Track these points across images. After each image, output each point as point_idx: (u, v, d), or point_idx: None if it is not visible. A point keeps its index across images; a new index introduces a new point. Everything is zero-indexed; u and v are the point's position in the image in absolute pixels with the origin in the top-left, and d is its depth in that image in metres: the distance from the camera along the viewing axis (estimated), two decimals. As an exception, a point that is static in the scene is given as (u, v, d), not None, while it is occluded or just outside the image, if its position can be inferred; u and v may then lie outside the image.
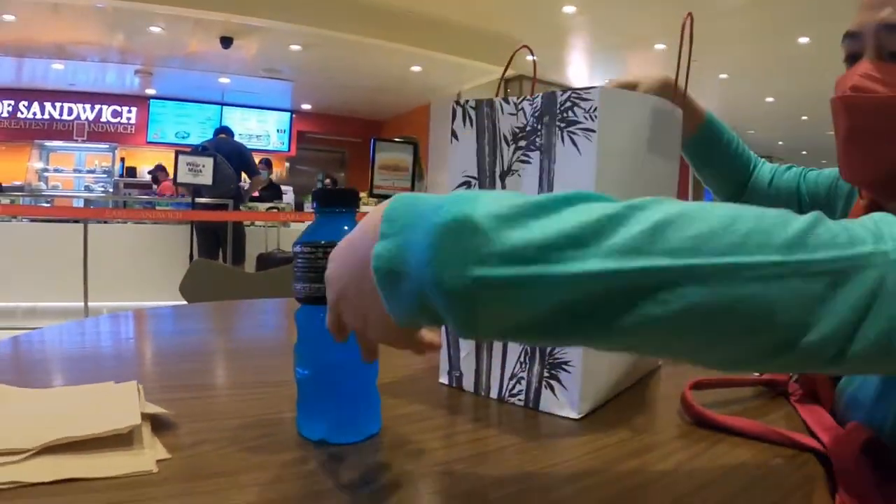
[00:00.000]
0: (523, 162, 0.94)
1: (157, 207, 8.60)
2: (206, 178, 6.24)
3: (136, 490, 0.62)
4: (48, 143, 12.72)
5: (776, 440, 0.80)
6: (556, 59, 11.13)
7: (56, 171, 12.81)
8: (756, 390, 1.05)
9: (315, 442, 0.77)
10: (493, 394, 0.98)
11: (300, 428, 0.79)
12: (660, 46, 10.08)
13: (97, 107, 12.84)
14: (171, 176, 6.91)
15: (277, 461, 0.72)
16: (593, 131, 0.86)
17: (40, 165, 12.67)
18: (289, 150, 14.29)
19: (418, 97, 12.68)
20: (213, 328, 1.68)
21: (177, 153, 6.30)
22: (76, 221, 6.61)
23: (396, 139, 4.78)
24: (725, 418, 0.85)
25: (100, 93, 12.64)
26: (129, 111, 13.07)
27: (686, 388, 0.93)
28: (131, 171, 12.80)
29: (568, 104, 0.89)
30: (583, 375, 0.89)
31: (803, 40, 9.21)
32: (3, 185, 10.38)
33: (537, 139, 0.92)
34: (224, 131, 7.52)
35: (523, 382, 0.95)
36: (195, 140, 12.04)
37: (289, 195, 10.22)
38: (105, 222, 7.26)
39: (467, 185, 1.00)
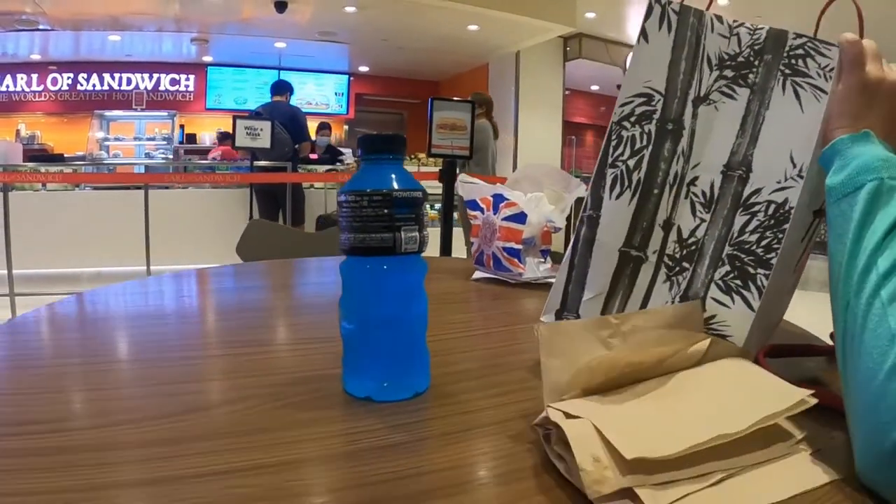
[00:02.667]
0: (725, 94, 0.82)
1: (217, 171, 8.67)
2: (265, 141, 6.24)
3: (171, 447, 0.59)
4: (108, 113, 12.91)
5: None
6: (615, 15, 10.94)
7: (116, 139, 13.01)
8: (826, 359, 0.95)
9: (360, 399, 0.72)
10: None
11: (345, 385, 0.75)
12: (723, 2, 9.84)
13: (155, 76, 12.97)
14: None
15: (321, 418, 0.67)
16: (825, 92, 0.75)
17: (101, 135, 12.87)
18: (347, 112, 14.29)
19: (476, 57, 12.55)
20: (264, 286, 1.65)
21: (235, 118, 6.30)
22: (137, 188, 6.68)
23: (455, 98, 4.69)
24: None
25: (157, 62, 12.76)
26: (188, 79, 13.18)
27: (760, 356, 0.82)
28: (191, 138, 12.96)
29: (800, 52, 0.78)
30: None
31: (875, -11, 8.90)
32: (66, 155, 10.55)
33: (750, 75, 0.81)
34: (280, 87, 7.47)
35: None
36: (253, 105, 12.11)
37: (348, 157, 10.22)
38: (166, 188, 7.33)
39: (647, 98, 0.85)
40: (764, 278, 0.76)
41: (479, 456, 0.61)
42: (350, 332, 0.73)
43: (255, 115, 6.91)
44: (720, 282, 0.78)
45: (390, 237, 0.69)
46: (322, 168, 8.13)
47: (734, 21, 0.84)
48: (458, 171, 4.75)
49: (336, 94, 14.18)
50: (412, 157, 10.41)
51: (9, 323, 1.06)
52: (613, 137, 0.86)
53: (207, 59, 12.82)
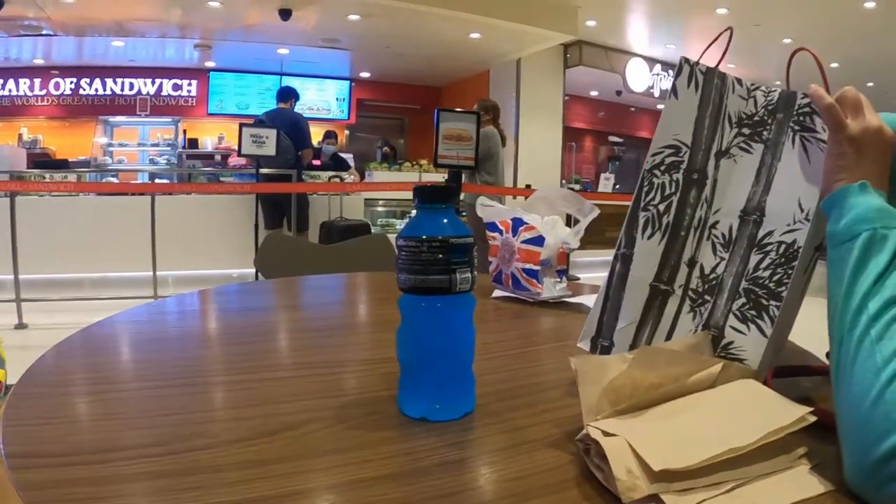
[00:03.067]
0: (743, 150, 0.93)
1: (222, 179, 8.73)
2: (270, 149, 6.31)
3: (260, 468, 0.66)
4: (112, 119, 12.96)
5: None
6: (615, 23, 11.04)
7: (121, 145, 13.05)
8: (823, 379, 1.04)
9: (416, 419, 0.81)
10: None
11: (402, 406, 0.83)
12: (721, 11, 9.94)
13: (158, 81, 13.03)
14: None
15: (385, 438, 0.76)
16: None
17: (105, 140, 12.91)
18: (348, 118, 14.34)
19: (477, 64, 12.61)
20: (301, 304, 1.73)
21: (241, 125, 6.37)
22: (143, 194, 6.76)
23: (458, 110, 4.76)
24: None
25: (160, 67, 12.80)
26: (190, 84, 13.23)
27: (768, 376, 0.93)
28: (193, 143, 13.01)
29: (807, 110, 0.89)
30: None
31: (869, 5, 9.03)
32: (70, 160, 10.60)
33: (764, 132, 0.92)
34: (286, 94, 7.55)
35: None
36: (255, 111, 12.16)
37: (352, 167, 10.29)
38: (170, 193, 7.41)
39: (675, 150, 0.95)
40: (776, 309, 0.86)
41: (529, 469, 0.69)
42: (407, 359, 0.83)
43: (259, 122, 6.98)
44: (737, 312, 0.89)
45: (446, 279, 0.78)
46: (325, 176, 8.19)
47: (752, 84, 0.95)
48: (463, 180, 4.83)
49: (338, 99, 14.24)
50: (414, 163, 10.48)
51: (77, 337, 1.13)
52: (646, 184, 0.96)
53: (210, 64, 12.86)
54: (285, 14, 9.25)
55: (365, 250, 2.61)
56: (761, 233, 0.90)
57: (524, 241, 1.62)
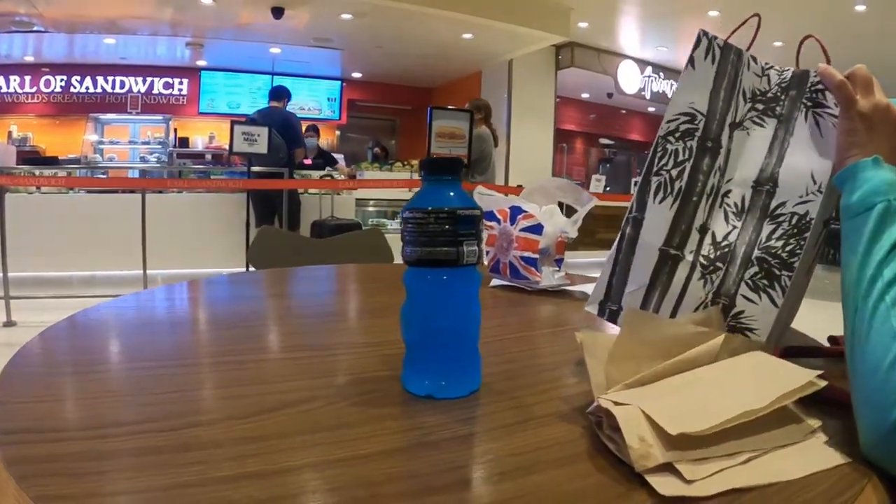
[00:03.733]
0: (756, 124, 0.95)
1: (213, 177, 8.69)
2: (262, 147, 6.28)
3: (261, 443, 0.65)
4: (102, 117, 12.90)
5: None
6: (607, 25, 11.07)
7: (112, 143, 12.99)
8: (831, 360, 1.03)
9: (422, 397, 0.79)
10: None
11: (406, 384, 0.81)
12: (713, 13, 9.97)
13: (149, 79, 12.99)
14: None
15: (391, 414, 0.74)
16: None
17: (95, 138, 12.86)
18: (339, 118, 14.34)
19: (469, 64, 12.63)
20: (299, 292, 1.70)
21: (232, 123, 6.34)
22: (132, 191, 6.72)
23: (450, 107, 4.75)
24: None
25: (151, 65, 12.76)
26: (181, 83, 13.20)
27: (776, 354, 0.89)
28: (184, 142, 12.97)
29: (819, 87, 0.91)
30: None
31: (860, 8, 9.07)
32: (60, 157, 10.55)
33: (777, 108, 0.94)
34: (278, 93, 7.53)
35: None
36: (246, 110, 12.14)
37: (340, 162, 10.27)
38: (161, 191, 7.37)
39: (690, 118, 0.95)
40: (787, 279, 0.87)
41: (539, 442, 0.68)
42: (413, 336, 0.81)
43: (251, 121, 6.96)
44: (749, 281, 0.89)
45: (454, 251, 0.76)
46: (317, 174, 8.17)
47: (766, 63, 0.97)
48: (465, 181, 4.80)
49: (329, 99, 14.23)
50: (405, 163, 10.46)
51: (64, 324, 1.11)
52: (659, 149, 0.96)
53: (201, 63, 12.84)
54: (278, 13, 9.23)
55: (358, 244, 2.59)
56: (774, 203, 0.90)
57: (522, 230, 1.60)
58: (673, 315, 0.93)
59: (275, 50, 11.87)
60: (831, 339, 1.11)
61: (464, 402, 0.78)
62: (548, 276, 1.59)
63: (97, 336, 1.11)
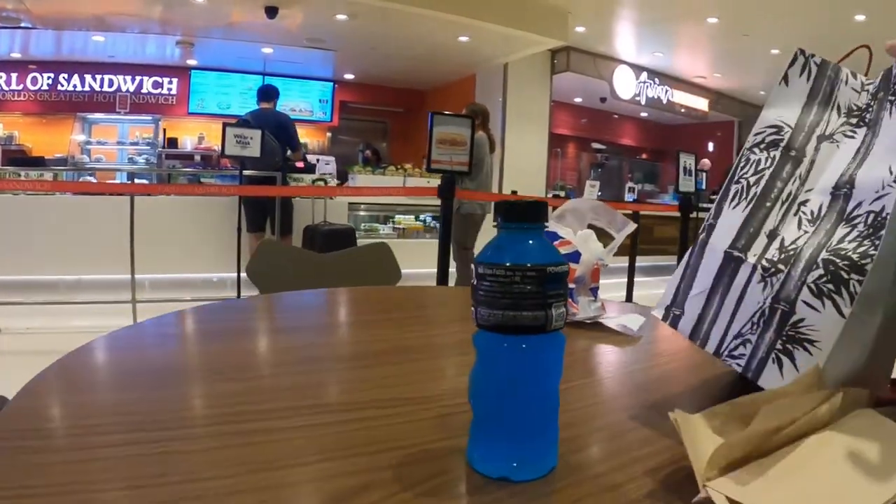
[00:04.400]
0: (847, 136, 0.89)
1: (203, 180, 8.55)
2: (255, 150, 6.15)
3: None
4: (90, 116, 12.76)
5: None
6: (604, 30, 11.05)
7: (99, 143, 12.84)
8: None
9: (495, 480, 0.65)
10: (710, 347, 0.90)
11: (474, 463, 0.68)
12: (712, 20, 9.95)
13: (138, 78, 12.88)
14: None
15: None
16: None
17: (83, 138, 12.71)
18: (331, 120, 14.26)
19: (464, 67, 12.56)
20: (316, 325, 1.54)
21: (225, 125, 6.21)
22: (121, 194, 6.59)
23: (452, 114, 4.64)
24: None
25: (140, 64, 12.65)
26: (171, 82, 13.09)
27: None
28: (172, 142, 12.82)
29: None
30: (827, 361, 0.76)
31: (859, 18, 9.06)
32: (46, 157, 10.41)
33: (867, 115, 0.88)
34: (267, 93, 7.38)
35: (748, 346, 0.84)
36: (237, 110, 12.02)
37: (331, 165, 10.15)
38: (149, 194, 7.24)
39: (777, 129, 0.92)
40: (857, 283, 0.75)
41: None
42: (485, 407, 0.67)
43: (244, 122, 6.82)
44: (812, 285, 0.79)
45: (542, 314, 0.63)
46: (309, 178, 8.04)
47: (867, 79, 0.92)
48: (457, 186, 4.71)
49: (320, 101, 14.14)
50: (398, 167, 10.36)
51: (51, 375, 0.98)
52: (742, 160, 0.94)
53: (192, 62, 12.74)
54: (271, 12, 9.12)
55: (364, 261, 2.48)
56: (850, 205, 0.82)
57: (559, 257, 1.48)
58: (731, 321, 0.88)
59: (267, 50, 11.77)
60: None
61: (544, 484, 0.66)
62: (584, 308, 1.47)
63: (89, 392, 0.94)
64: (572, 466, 0.70)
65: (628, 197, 10.72)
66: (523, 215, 0.66)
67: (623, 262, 7.62)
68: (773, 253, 0.85)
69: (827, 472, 0.62)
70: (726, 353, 0.87)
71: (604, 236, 1.55)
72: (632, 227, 1.50)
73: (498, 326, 0.64)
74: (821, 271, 0.78)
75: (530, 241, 0.65)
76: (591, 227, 1.55)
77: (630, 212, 7.43)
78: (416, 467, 0.68)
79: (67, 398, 0.88)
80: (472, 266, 0.67)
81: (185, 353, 1.21)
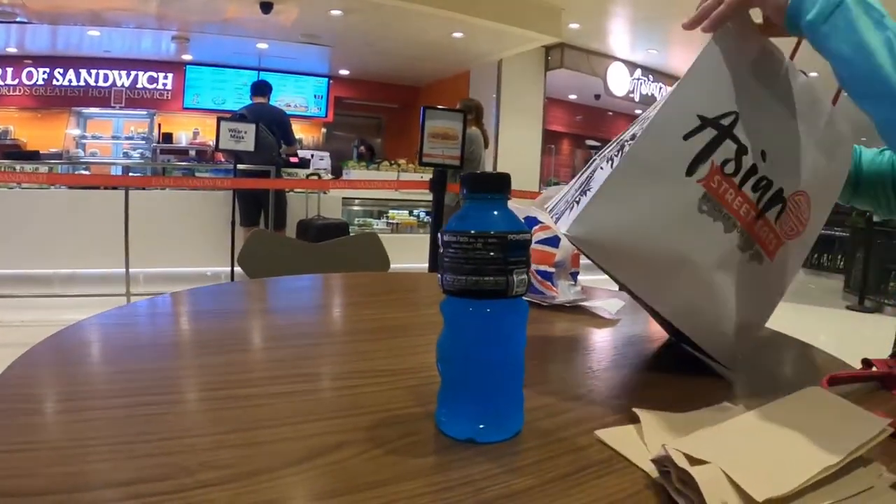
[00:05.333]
0: None
1: (197, 174, 8.56)
2: (249, 144, 6.17)
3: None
4: (85, 111, 12.72)
5: None
6: (598, 27, 11.03)
7: (94, 137, 12.81)
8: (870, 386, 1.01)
9: (462, 441, 0.70)
10: (553, 213, 1.07)
11: (443, 426, 0.73)
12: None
13: (133, 73, 12.81)
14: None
15: (433, 465, 0.65)
16: None
17: (77, 132, 12.68)
18: (326, 115, 14.23)
19: (458, 64, 12.56)
20: (305, 305, 1.59)
21: (219, 120, 6.23)
22: (115, 188, 6.59)
23: (443, 107, 4.67)
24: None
25: (135, 59, 12.59)
26: (166, 77, 13.03)
27: (824, 382, 0.94)
28: (167, 137, 12.80)
29: None
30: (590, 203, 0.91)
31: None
32: (41, 152, 10.41)
33: None
34: (261, 88, 7.39)
35: (566, 205, 1.02)
36: (232, 106, 12.02)
37: (325, 161, 10.18)
38: (143, 188, 7.24)
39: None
40: (629, 145, 0.95)
41: (605, 497, 0.61)
42: (452, 371, 0.72)
43: (240, 117, 6.83)
44: (607, 156, 1.01)
45: (504, 280, 0.67)
46: (303, 173, 8.05)
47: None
48: (448, 181, 4.74)
49: (315, 96, 14.12)
50: (392, 162, 10.37)
51: (45, 347, 1.02)
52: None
53: (187, 57, 12.69)
54: (266, 7, 9.12)
55: (353, 249, 2.51)
56: (641, 122, 1.01)
57: (538, 242, 1.52)
58: (566, 193, 1.07)
59: (262, 45, 11.75)
60: (865, 361, 1.08)
61: (509, 446, 0.70)
62: (564, 291, 1.51)
63: (81, 363, 0.99)
64: (539, 431, 0.74)
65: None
66: (486, 186, 0.70)
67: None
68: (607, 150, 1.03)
69: (778, 438, 0.68)
70: (555, 212, 1.04)
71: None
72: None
73: (462, 291, 0.68)
74: (616, 146, 0.99)
75: (494, 212, 0.70)
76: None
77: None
78: (387, 429, 0.73)
79: (60, 369, 0.92)
80: (439, 235, 0.71)
81: (175, 331, 1.26)
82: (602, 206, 0.91)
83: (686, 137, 0.93)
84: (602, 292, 1.71)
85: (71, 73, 12.42)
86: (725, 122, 0.94)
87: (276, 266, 2.23)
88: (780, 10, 0.96)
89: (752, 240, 0.98)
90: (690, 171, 0.93)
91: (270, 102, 7.38)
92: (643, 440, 0.71)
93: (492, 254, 0.67)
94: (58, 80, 12.37)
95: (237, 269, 4.60)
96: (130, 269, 5.76)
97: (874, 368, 1.04)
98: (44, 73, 12.28)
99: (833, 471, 0.61)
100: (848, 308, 7.45)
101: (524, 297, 0.71)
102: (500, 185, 0.71)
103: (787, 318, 1.42)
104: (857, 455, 0.64)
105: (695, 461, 0.60)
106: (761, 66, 1.00)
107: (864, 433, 0.67)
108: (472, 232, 0.67)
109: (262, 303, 1.60)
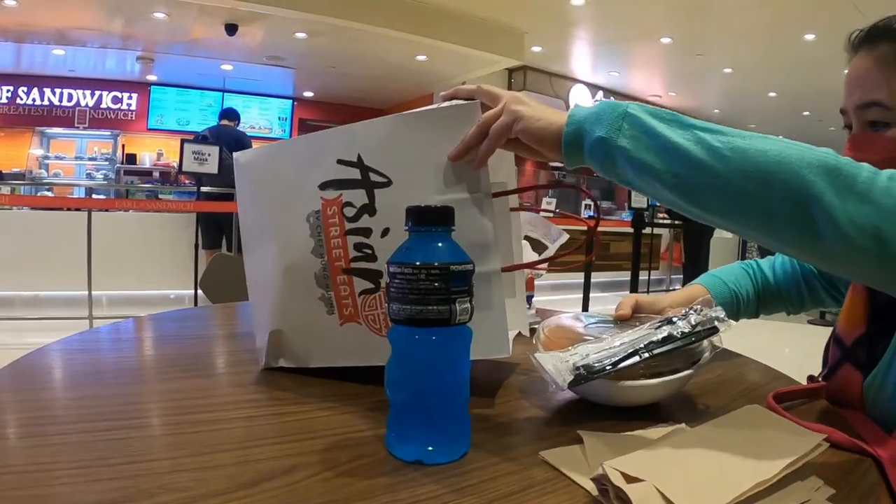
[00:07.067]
0: None
1: (161, 196, 8.52)
2: (212, 167, 6.17)
3: None
4: (49, 130, 12.61)
5: (845, 446, 0.84)
6: (560, 50, 11.19)
7: (57, 158, 12.70)
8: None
9: (410, 463, 0.73)
10: None
11: (392, 448, 0.76)
12: (666, 40, 10.11)
13: (97, 93, 12.75)
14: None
15: (382, 486, 0.68)
16: None
17: (41, 152, 12.57)
18: (290, 137, 14.18)
19: (422, 87, 12.65)
20: (247, 332, 1.61)
21: (183, 141, 6.23)
22: (78, 209, 6.56)
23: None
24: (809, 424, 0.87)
25: (100, 79, 12.53)
26: (130, 97, 12.98)
27: (769, 398, 0.97)
28: (131, 158, 12.72)
29: None
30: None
31: (809, 37, 9.27)
32: (4, 172, 10.31)
33: None
34: (228, 115, 7.43)
35: None
36: (196, 127, 11.99)
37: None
38: (106, 210, 7.20)
39: None
40: None
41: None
42: (400, 396, 0.75)
43: (202, 138, 6.84)
44: None
45: (447, 309, 0.71)
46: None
47: None
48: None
49: (279, 118, 14.15)
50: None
51: (5, 372, 1.04)
52: None
53: (152, 78, 12.66)
54: (231, 29, 9.15)
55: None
56: None
57: (494, 267, 1.55)
58: None
59: (226, 67, 11.76)
60: (810, 378, 1.17)
61: (456, 467, 0.73)
62: (519, 315, 1.55)
63: (43, 389, 1.00)
64: (485, 452, 0.78)
65: (585, 213, 10.86)
66: (431, 219, 0.75)
67: (579, 277, 7.73)
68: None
69: (713, 454, 0.71)
70: None
71: (540, 247, 1.63)
72: (565, 237, 1.57)
73: (408, 320, 0.72)
74: None
75: (438, 243, 0.74)
76: (527, 238, 1.63)
77: (584, 228, 7.52)
78: (339, 452, 0.76)
79: (22, 395, 0.94)
80: (386, 266, 0.75)
81: (136, 356, 1.28)
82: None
83: (339, 161, 0.99)
84: (558, 314, 1.74)
85: (35, 92, 12.34)
86: (373, 177, 0.97)
87: (239, 290, 2.24)
88: (553, 138, 0.92)
89: (329, 283, 1.03)
90: (324, 186, 1.00)
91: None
92: (586, 460, 0.74)
93: (435, 284, 0.71)
94: (21, 99, 12.29)
95: (200, 293, 4.60)
96: (93, 292, 5.73)
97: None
98: (7, 91, 12.19)
99: (768, 485, 0.64)
100: (809, 322, 7.59)
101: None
102: (444, 217, 0.75)
103: (750, 334, 1.49)
104: (793, 469, 0.67)
105: (631, 479, 0.62)
106: (459, 170, 0.96)
107: (799, 448, 0.70)
108: (417, 263, 0.71)
109: (223, 328, 1.63)
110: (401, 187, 0.96)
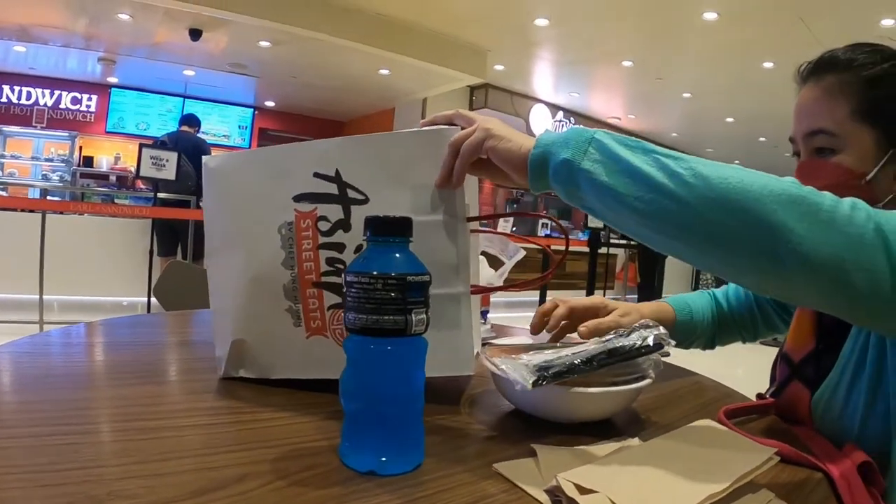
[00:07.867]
0: None
1: (117, 201, 8.43)
2: (170, 173, 6.13)
3: None
4: (5, 129, 12.38)
5: (796, 461, 0.86)
6: (522, 69, 11.26)
7: (13, 157, 12.47)
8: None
9: (363, 473, 0.73)
10: None
11: (346, 459, 0.76)
12: (627, 63, 10.22)
13: (56, 92, 12.53)
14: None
15: (334, 496, 0.68)
16: None
17: (-4, 151, 12.36)
18: (249, 146, 14.10)
19: (383, 100, 12.67)
20: (200, 340, 1.59)
21: (141, 146, 6.18)
22: (31, 211, 6.46)
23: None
24: (760, 439, 0.89)
25: (60, 78, 12.33)
26: (90, 99, 12.79)
27: (720, 414, 1.00)
28: (88, 161, 12.55)
29: None
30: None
31: (768, 65, 9.42)
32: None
33: None
34: (188, 121, 7.38)
35: None
36: (155, 132, 11.87)
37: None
38: (61, 213, 7.10)
39: None
40: None
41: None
42: (354, 406, 0.76)
43: (161, 144, 6.79)
44: None
45: (403, 319, 0.72)
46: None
47: None
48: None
49: (239, 126, 14.05)
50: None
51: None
52: None
53: (112, 80, 12.50)
54: (195, 34, 9.08)
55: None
56: None
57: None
58: None
59: (188, 72, 11.67)
60: (759, 395, 1.22)
61: (409, 478, 0.74)
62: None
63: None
64: (438, 464, 0.78)
65: (542, 232, 10.93)
66: (389, 229, 0.75)
67: (534, 296, 7.77)
68: None
69: (666, 467, 0.72)
70: None
71: (497, 263, 1.64)
72: (521, 254, 1.59)
73: (363, 329, 0.72)
74: None
75: (396, 254, 0.74)
76: (484, 253, 1.64)
77: (541, 246, 7.57)
78: (291, 462, 0.76)
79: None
80: (343, 276, 0.75)
81: (87, 361, 1.27)
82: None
83: (316, 175, 1.00)
84: (514, 330, 1.76)
85: (-8, 89, 12.11)
86: (351, 193, 0.99)
87: (192, 298, 2.23)
88: (520, 160, 0.93)
89: (298, 296, 1.04)
90: (299, 198, 1.01)
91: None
92: (540, 472, 0.75)
93: (392, 294, 0.71)
94: (-22, 95, 12.05)
95: (154, 300, 4.55)
96: (45, 296, 5.65)
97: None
98: (-37, 87, 11.95)
99: (719, 497, 0.65)
100: (762, 343, 7.68)
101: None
102: (402, 228, 0.75)
103: (705, 355, 1.53)
104: (745, 482, 0.69)
105: (584, 490, 0.64)
106: (436, 192, 0.97)
107: (750, 461, 0.72)
108: (374, 273, 0.72)
109: (178, 336, 1.62)
110: (377, 205, 0.97)
